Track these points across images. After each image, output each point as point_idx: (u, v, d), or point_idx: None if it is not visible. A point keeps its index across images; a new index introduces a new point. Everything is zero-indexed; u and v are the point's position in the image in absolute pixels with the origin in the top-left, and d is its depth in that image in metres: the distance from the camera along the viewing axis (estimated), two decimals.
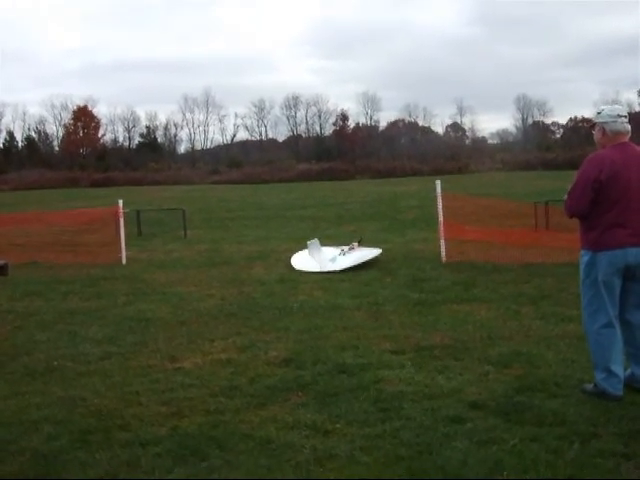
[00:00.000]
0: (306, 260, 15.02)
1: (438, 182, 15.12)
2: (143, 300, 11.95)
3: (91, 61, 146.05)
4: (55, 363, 8.19)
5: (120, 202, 16.75)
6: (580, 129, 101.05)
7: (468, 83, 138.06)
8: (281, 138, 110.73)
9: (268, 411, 6.39)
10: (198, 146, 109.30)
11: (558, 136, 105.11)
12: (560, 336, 8.66)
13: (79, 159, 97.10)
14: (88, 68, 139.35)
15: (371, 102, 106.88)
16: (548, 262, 13.97)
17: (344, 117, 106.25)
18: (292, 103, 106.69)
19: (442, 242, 14.88)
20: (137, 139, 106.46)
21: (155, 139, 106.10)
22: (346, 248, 15.48)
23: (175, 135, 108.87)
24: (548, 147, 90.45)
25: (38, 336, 9.60)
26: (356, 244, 15.80)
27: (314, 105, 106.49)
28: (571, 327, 8.97)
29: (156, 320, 10.33)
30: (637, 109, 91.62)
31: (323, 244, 15.96)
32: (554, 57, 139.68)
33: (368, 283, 12.90)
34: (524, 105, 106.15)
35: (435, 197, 15.24)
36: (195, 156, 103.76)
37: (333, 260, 14.71)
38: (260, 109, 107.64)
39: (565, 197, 6.65)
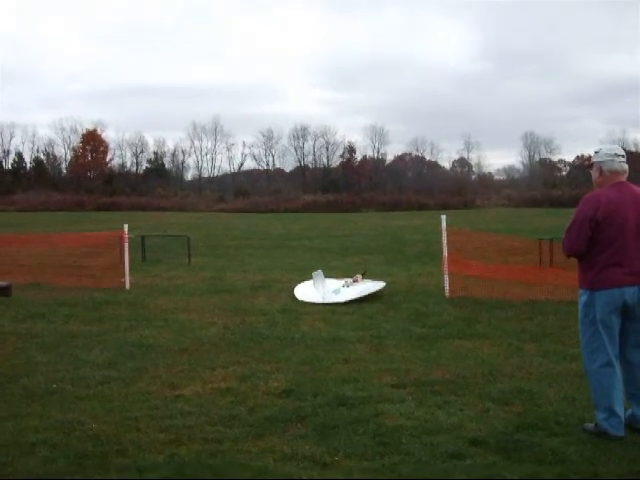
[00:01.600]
0: (309, 291, 14.98)
1: (443, 217, 15.10)
2: (145, 326, 11.91)
3: (101, 85, 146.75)
4: (54, 386, 8.18)
5: (125, 227, 16.75)
6: (587, 167, 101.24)
7: (476, 119, 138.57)
8: (288, 168, 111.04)
9: (266, 442, 6.36)
10: (205, 174, 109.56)
11: (564, 173, 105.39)
12: (562, 374, 8.63)
13: (86, 182, 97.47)
14: (98, 92, 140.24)
15: (379, 135, 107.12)
16: (551, 299, 13.92)
17: (351, 149, 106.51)
18: (300, 134, 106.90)
19: (446, 277, 14.83)
20: (144, 165, 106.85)
21: (162, 165, 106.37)
22: (349, 280, 15.44)
23: (182, 162, 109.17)
24: (554, 184, 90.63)
25: (39, 358, 9.60)
26: (360, 276, 15.76)
27: (322, 136, 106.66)
28: (573, 365, 8.93)
29: (157, 346, 10.31)
30: None
31: (327, 275, 15.92)
32: (562, 94, 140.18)
33: (371, 316, 12.86)
34: (531, 142, 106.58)
35: (440, 232, 15.19)
36: (202, 183, 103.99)
37: (336, 292, 14.67)
38: (268, 139, 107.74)
39: (563, 236, 6.67)
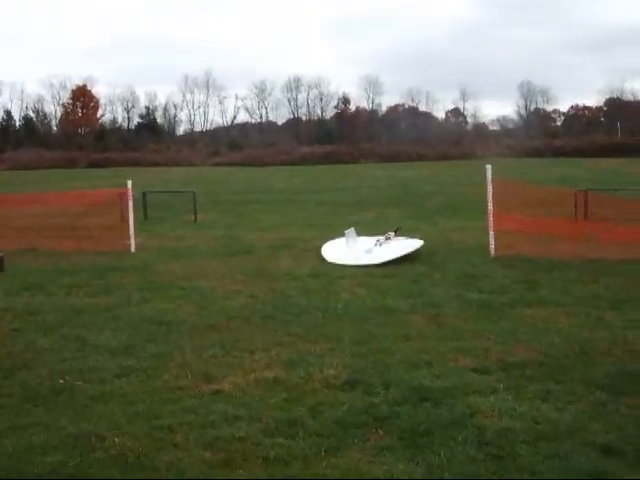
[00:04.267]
0: (339, 251, 13.41)
1: (489, 167, 13.49)
2: (160, 297, 10.34)
3: (91, 40, 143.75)
4: (61, 381, 6.61)
5: (129, 183, 15.06)
6: (581, 117, 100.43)
7: (472, 68, 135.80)
8: (281, 121, 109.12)
9: (345, 459, 4.92)
10: (198, 128, 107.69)
11: (559, 124, 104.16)
12: None
13: (77, 139, 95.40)
14: (86, 47, 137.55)
15: (373, 86, 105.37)
16: (608, 259, 12.45)
17: (346, 100, 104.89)
18: (293, 85, 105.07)
19: (491, 234, 13.23)
20: (136, 120, 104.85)
21: (154, 120, 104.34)
22: (382, 238, 13.86)
23: (174, 116, 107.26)
24: (554, 134, 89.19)
25: (40, 342, 8.02)
26: (392, 234, 14.13)
27: (315, 87, 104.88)
28: None
29: (179, 323, 8.73)
30: None
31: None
32: (559, 43, 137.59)
33: (415, 279, 11.32)
34: (528, 92, 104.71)
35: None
36: (194, 137, 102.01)
37: (369, 251, 13.12)
38: (261, 91, 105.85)
39: None
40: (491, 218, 13.22)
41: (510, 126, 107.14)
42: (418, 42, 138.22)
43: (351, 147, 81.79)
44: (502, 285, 10.77)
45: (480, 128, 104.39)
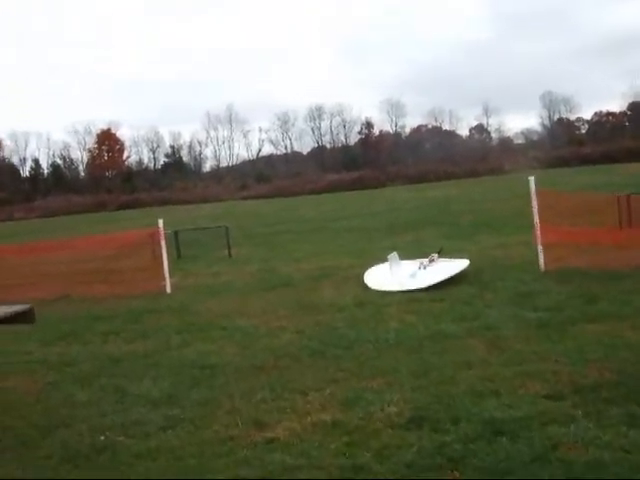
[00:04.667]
0: (382, 277, 12.89)
1: (532, 178, 12.93)
2: (201, 339, 9.85)
3: (110, 84, 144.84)
4: (102, 438, 6.10)
5: (160, 222, 14.68)
6: (606, 123, 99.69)
7: (493, 84, 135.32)
8: (306, 150, 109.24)
9: None
10: (224, 163, 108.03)
11: (583, 131, 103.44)
12: None
13: (105, 182, 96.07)
14: (108, 91, 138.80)
15: (395, 108, 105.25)
16: None
17: (369, 125, 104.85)
18: (316, 114, 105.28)
19: (540, 248, 12.66)
20: (162, 159, 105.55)
21: (180, 158, 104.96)
22: (425, 261, 13.33)
23: (200, 153, 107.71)
24: (580, 142, 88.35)
25: (78, 395, 7.53)
26: (436, 255, 13.59)
27: (338, 115, 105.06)
28: None
29: (224, 366, 8.21)
30: None
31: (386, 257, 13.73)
32: (577, 52, 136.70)
33: (466, 301, 10.76)
34: (550, 102, 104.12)
35: (529, 195, 13.05)
36: (221, 173, 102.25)
37: (413, 276, 12.59)
38: (284, 122, 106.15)
39: None
40: (538, 232, 12.65)
41: (535, 138, 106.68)
42: (435, 62, 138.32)
43: (377, 171, 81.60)
44: (558, 301, 10.18)
45: (505, 142, 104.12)
